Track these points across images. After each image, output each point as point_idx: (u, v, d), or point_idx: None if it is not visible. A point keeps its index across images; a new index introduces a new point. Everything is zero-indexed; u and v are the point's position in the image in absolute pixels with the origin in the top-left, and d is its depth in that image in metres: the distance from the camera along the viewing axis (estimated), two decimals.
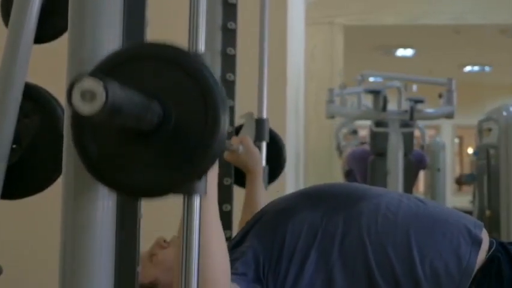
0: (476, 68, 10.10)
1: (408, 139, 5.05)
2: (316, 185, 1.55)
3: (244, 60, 1.98)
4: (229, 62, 1.90)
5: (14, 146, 1.26)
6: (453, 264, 1.28)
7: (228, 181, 1.86)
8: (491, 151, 4.91)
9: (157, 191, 0.81)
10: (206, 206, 1.08)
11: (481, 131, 5.33)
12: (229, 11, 1.91)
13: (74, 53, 0.88)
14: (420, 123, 5.85)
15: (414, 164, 5.18)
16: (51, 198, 1.36)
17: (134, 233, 0.93)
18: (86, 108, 0.65)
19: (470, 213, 4.28)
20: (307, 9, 5.37)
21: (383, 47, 8.50)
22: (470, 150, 11.61)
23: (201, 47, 0.92)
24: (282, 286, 1.28)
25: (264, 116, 1.99)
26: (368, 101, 5.49)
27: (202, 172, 0.79)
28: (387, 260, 1.28)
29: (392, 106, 5.11)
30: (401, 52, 8.87)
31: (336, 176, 6.04)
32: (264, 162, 1.91)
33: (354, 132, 8.15)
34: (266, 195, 1.83)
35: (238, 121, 1.98)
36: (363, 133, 7.38)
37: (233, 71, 1.91)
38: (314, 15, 5.76)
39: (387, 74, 6.01)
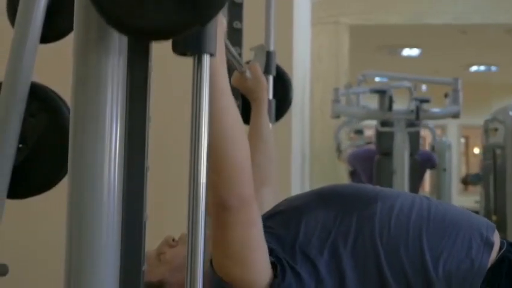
0: (482, 67, 10.08)
1: (414, 139, 5.05)
2: (330, 185, 1.55)
3: (250, 59, 1.98)
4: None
5: (20, 145, 1.26)
6: (465, 265, 1.28)
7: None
8: (498, 151, 4.90)
9: (166, 31, 0.81)
10: (215, 69, 1.09)
11: (487, 130, 5.32)
12: (235, 10, 1.91)
13: (80, 53, 0.88)
14: (430, 123, 5.83)
15: (421, 164, 5.17)
16: (52, 198, 1.36)
17: (140, 232, 0.93)
18: None
19: (476, 213, 4.26)
20: (313, 9, 5.36)
21: (388, 47, 8.49)
22: (476, 150, 11.59)
23: None
24: (297, 283, 1.28)
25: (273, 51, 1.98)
26: (366, 101, 5.47)
27: (210, 14, 0.80)
28: (399, 261, 1.28)
29: (397, 106, 5.10)
30: (407, 52, 8.86)
31: (341, 175, 6.03)
32: (271, 95, 1.90)
33: (360, 132, 8.14)
34: (270, 128, 1.83)
35: (248, 54, 1.96)
36: (369, 133, 7.37)
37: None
38: (320, 15, 5.76)
39: (390, 74, 6.01)
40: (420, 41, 8.24)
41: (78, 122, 0.88)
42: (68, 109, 1.26)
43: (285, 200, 1.52)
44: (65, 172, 0.92)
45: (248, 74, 1.77)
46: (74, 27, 0.89)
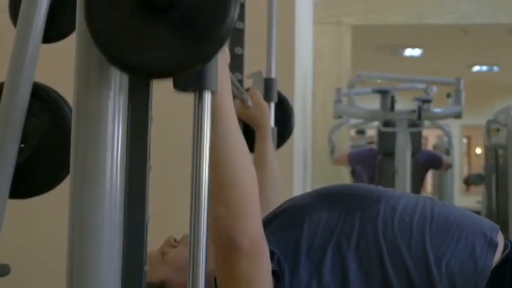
0: (484, 67, 10.06)
1: (416, 139, 5.04)
2: (333, 185, 1.55)
3: (252, 60, 1.98)
4: (237, 62, 1.90)
5: (22, 145, 1.26)
6: (468, 266, 1.28)
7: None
8: (500, 151, 4.90)
9: (169, 69, 0.81)
10: (222, 101, 1.09)
11: (489, 131, 5.31)
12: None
13: (82, 55, 0.88)
14: (445, 125, 5.81)
15: (422, 164, 5.16)
16: (54, 198, 1.36)
17: (142, 233, 0.93)
18: None
19: (478, 213, 4.26)
20: (314, 9, 5.36)
21: (390, 47, 8.48)
22: (478, 151, 11.58)
23: None
24: (296, 284, 1.28)
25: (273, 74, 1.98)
26: (362, 102, 5.46)
27: (211, 52, 0.80)
28: (402, 262, 1.28)
29: (399, 106, 5.11)
30: (408, 52, 8.85)
31: (343, 175, 6.02)
32: (272, 123, 1.90)
33: (362, 132, 8.13)
34: (275, 155, 1.82)
35: (247, 83, 1.96)
36: (371, 133, 7.36)
37: (241, 71, 1.91)
38: (322, 15, 5.75)
39: (386, 75, 6.01)
40: (422, 41, 8.23)
41: (80, 122, 0.87)
42: (70, 109, 1.26)
43: (288, 200, 1.51)
44: (67, 172, 0.91)
45: (250, 102, 1.77)
46: (75, 65, 0.88)
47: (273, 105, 1.95)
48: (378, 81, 6.73)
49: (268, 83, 1.95)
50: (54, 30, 1.29)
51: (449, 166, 5.80)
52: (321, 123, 5.76)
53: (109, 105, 0.86)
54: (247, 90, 1.88)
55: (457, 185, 9.22)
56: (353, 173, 6.14)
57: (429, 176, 7.57)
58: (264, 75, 1.97)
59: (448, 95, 5.19)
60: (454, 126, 10.86)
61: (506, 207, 4.64)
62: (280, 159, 2.02)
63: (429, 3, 6.40)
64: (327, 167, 5.65)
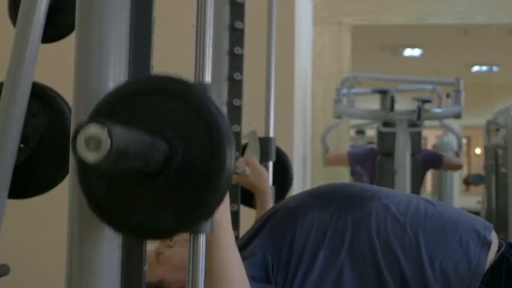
0: (484, 68, 10.06)
1: (415, 139, 5.04)
2: (326, 184, 1.55)
3: (252, 59, 1.97)
4: (236, 62, 1.90)
5: (22, 145, 1.26)
6: (462, 265, 1.28)
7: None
8: (500, 151, 4.90)
9: (165, 232, 0.80)
10: (220, 235, 1.12)
11: (489, 131, 5.31)
12: (237, 10, 1.91)
13: (81, 55, 0.88)
14: (455, 127, 5.81)
15: (422, 164, 5.15)
16: (53, 198, 1.36)
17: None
18: (91, 156, 0.65)
19: (477, 213, 4.26)
20: (315, 9, 5.36)
21: (390, 47, 8.48)
22: (478, 151, 11.58)
23: (208, 48, 0.91)
24: (290, 285, 1.28)
25: (271, 134, 1.94)
26: (360, 102, 5.47)
27: (210, 212, 0.78)
28: (396, 261, 1.28)
29: (399, 106, 5.10)
30: (408, 52, 8.85)
31: (343, 176, 6.02)
32: (271, 182, 1.87)
33: (361, 132, 8.12)
34: None
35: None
36: (371, 133, 7.36)
37: (240, 71, 1.90)
38: (322, 15, 5.75)
39: (382, 76, 6.00)
40: (422, 41, 8.23)
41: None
42: (70, 108, 1.26)
43: (282, 200, 1.52)
44: (67, 172, 0.91)
45: (247, 169, 1.76)
46: (74, 64, 0.87)
47: (271, 164, 1.92)
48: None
49: (266, 143, 1.92)
50: (54, 30, 1.29)
51: (460, 167, 5.75)
52: (321, 123, 5.75)
53: None
54: (243, 149, 1.87)
55: (457, 185, 9.21)
56: (353, 173, 6.13)
57: (429, 176, 7.56)
58: (259, 131, 1.92)
59: (448, 95, 5.19)
60: (454, 127, 10.87)
61: (506, 207, 4.64)
62: None
63: (429, 3, 6.40)
64: (326, 167, 5.64)
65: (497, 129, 5.06)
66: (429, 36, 7.72)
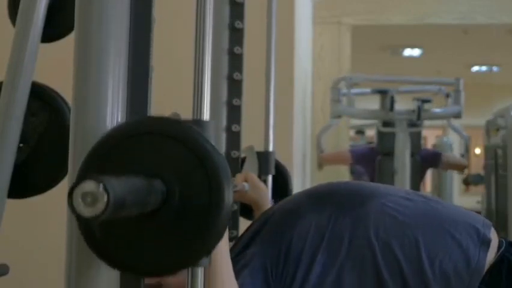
0: (484, 68, 10.06)
1: (415, 139, 5.04)
2: (322, 185, 1.54)
3: (252, 59, 1.97)
4: (236, 61, 1.90)
5: (21, 144, 1.26)
6: (462, 264, 1.27)
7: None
8: (499, 151, 4.90)
9: (165, 270, 0.80)
10: (218, 268, 1.13)
11: (488, 131, 5.31)
12: (237, 10, 1.91)
13: (81, 54, 0.88)
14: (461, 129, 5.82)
15: (421, 163, 5.15)
16: (53, 198, 1.36)
17: None
18: (88, 212, 0.65)
19: (478, 213, 4.24)
20: (315, 9, 5.36)
21: (390, 47, 8.48)
22: (477, 151, 11.58)
23: (208, 48, 0.91)
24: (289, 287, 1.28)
25: (271, 148, 1.93)
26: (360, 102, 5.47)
27: (210, 249, 0.78)
28: (396, 261, 1.28)
29: (398, 106, 5.10)
30: (408, 52, 8.85)
31: (342, 176, 6.01)
32: (270, 196, 1.85)
33: (361, 132, 8.12)
34: None
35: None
36: (371, 133, 7.35)
37: (240, 70, 1.90)
38: (322, 15, 5.75)
39: (378, 77, 5.99)
40: (422, 41, 8.23)
41: (79, 122, 0.87)
42: (69, 108, 1.26)
43: (281, 201, 1.51)
44: (66, 172, 0.91)
45: (246, 186, 1.75)
46: (74, 64, 0.87)
47: (270, 178, 1.90)
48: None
49: (265, 157, 1.90)
50: (54, 29, 1.29)
51: (463, 167, 5.74)
52: (321, 123, 5.75)
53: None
54: (242, 163, 1.86)
55: (457, 185, 9.20)
56: (352, 172, 6.12)
57: (429, 175, 7.55)
58: (258, 144, 1.90)
59: (448, 95, 5.19)
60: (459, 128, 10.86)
61: (506, 207, 4.63)
62: (280, 160, 2.01)
63: (429, 3, 6.40)
64: (326, 167, 5.64)
65: (497, 130, 5.05)
66: (429, 36, 7.72)
